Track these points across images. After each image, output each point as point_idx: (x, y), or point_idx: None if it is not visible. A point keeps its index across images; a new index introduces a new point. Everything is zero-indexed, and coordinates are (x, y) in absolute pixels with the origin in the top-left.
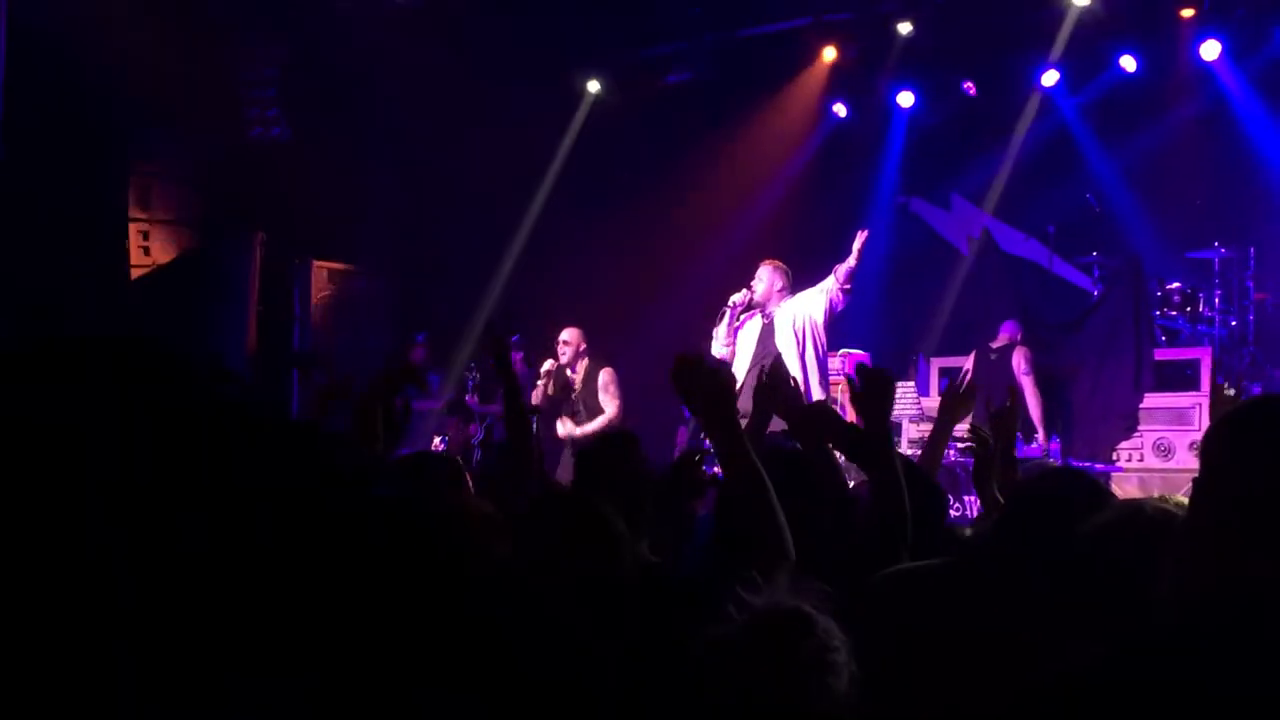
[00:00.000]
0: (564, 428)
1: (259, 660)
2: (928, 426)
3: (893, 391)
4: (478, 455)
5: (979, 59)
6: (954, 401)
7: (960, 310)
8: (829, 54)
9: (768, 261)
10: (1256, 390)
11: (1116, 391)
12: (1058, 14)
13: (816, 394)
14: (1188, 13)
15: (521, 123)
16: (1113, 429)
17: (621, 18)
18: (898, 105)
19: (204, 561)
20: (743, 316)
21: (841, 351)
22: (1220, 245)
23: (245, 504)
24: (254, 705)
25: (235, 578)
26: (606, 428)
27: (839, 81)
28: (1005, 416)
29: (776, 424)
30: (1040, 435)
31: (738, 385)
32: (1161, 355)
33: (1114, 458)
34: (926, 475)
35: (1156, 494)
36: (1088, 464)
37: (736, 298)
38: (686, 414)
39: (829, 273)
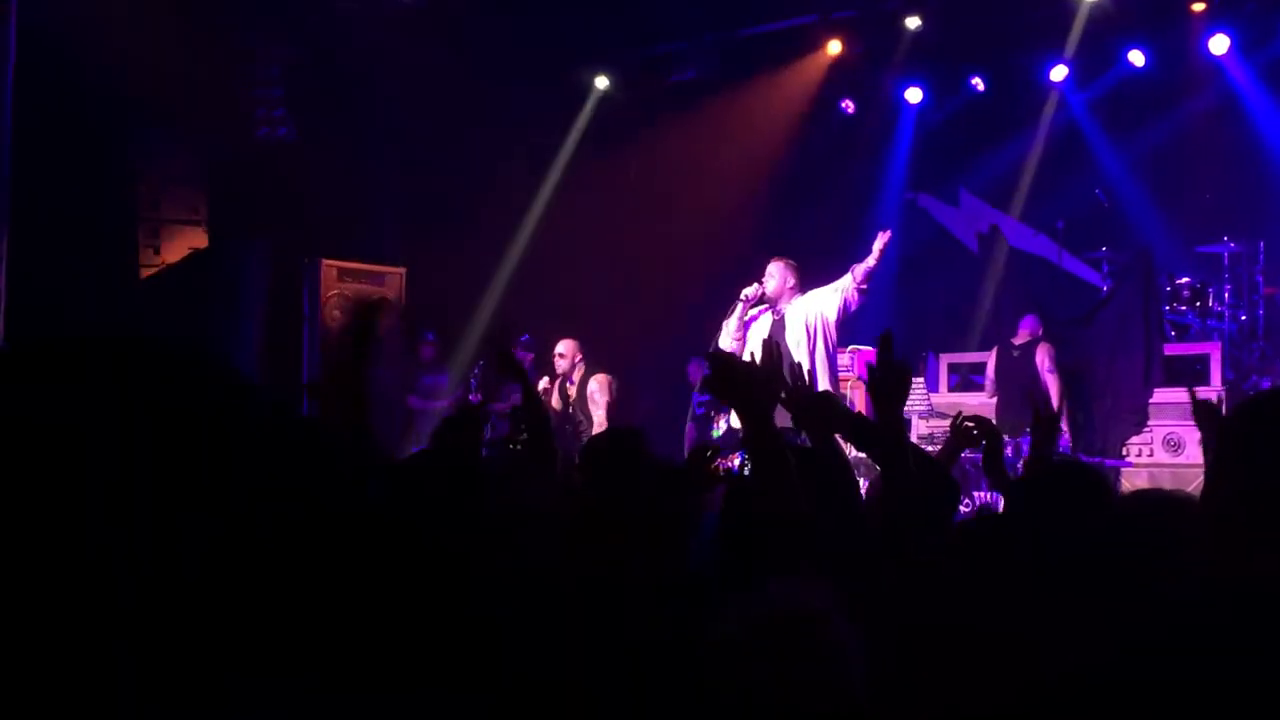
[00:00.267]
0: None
1: (259, 660)
2: (937, 422)
3: (909, 382)
4: (484, 453)
5: (987, 54)
6: (961, 436)
7: (969, 306)
8: (834, 47)
9: (779, 259)
10: (1266, 385)
11: (1126, 386)
12: (1067, 9)
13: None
14: (1198, 7)
15: (526, 121)
16: (1123, 424)
17: (625, 16)
18: (906, 101)
19: (204, 561)
20: (754, 311)
21: (850, 348)
22: (1230, 240)
23: (246, 504)
24: (254, 705)
25: (235, 578)
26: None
27: (847, 78)
28: (1046, 423)
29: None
30: (1065, 433)
31: None
32: (1171, 350)
33: (1124, 453)
34: (941, 467)
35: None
36: (1097, 459)
37: (749, 291)
38: (696, 411)
39: (839, 270)
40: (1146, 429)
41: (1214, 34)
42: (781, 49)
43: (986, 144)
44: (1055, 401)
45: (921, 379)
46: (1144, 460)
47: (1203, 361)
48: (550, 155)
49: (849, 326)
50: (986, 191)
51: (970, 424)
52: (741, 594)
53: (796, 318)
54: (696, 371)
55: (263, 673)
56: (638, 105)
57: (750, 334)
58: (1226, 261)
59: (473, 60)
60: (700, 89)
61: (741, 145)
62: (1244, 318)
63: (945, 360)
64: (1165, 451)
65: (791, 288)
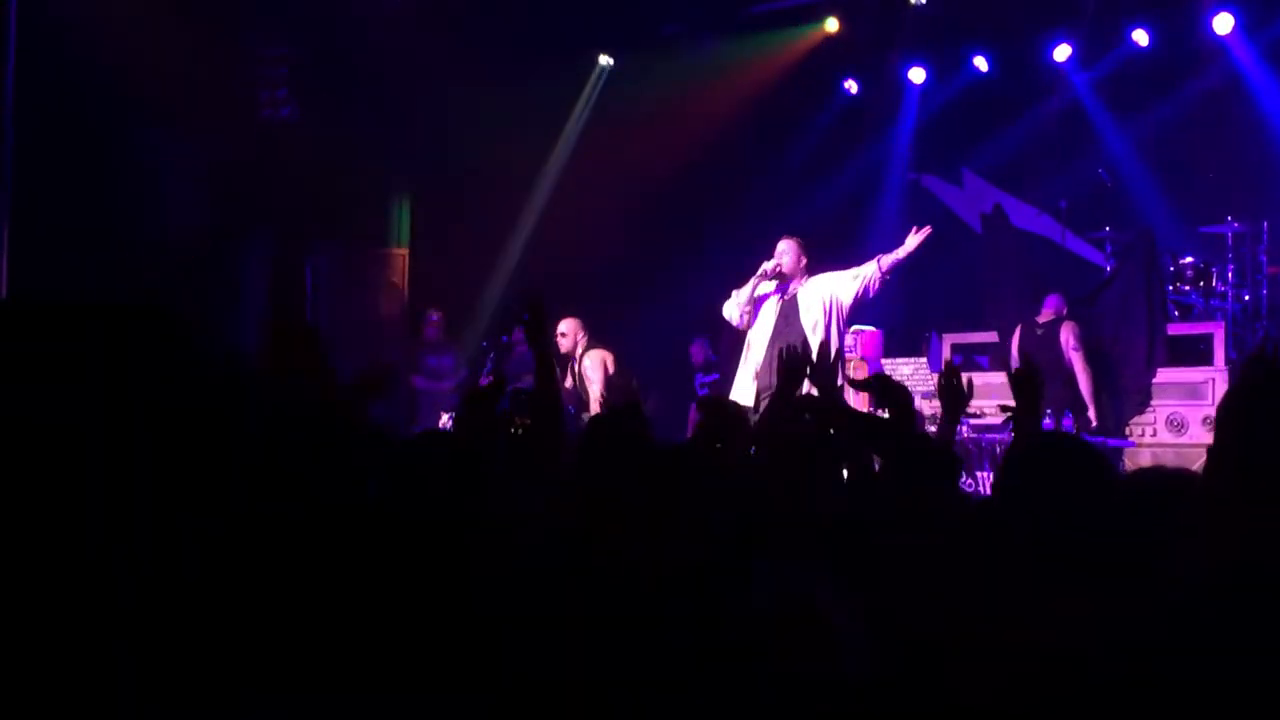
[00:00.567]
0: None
1: (258, 659)
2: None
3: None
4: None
5: (990, 34)
6: (953, 396)
7: (972, 287)
8: (831, 24)
9: (788, 237)
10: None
11: (1129, 367)
12: None
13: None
14: None
15: (532, 98)
16: (1126, 404)
17: None
18: (909, 81)
19: (204, 561)
20: (766, 289)
21: (854, 328)
22: (1233, 219)
23: (246, 502)
24: (254, 705)
25: (232, 577)
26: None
27: (850, 58)
28: (1020, 386)
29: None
30: (1091, 412)
31: (760, 361)
32: (1174, 330)
33: (1127, 433)
34: (940, 445)
35: None
36: (1100, 439)
37: (768, 266)
38: (700, 392)
39: (843, 250)
40: (1150, 409)
41: (1218, 13)
42: (786, 29)
43: (990, 124)
44: (1082, 380)
45: (924, 359)
46: (1147, 440)
47: (1206, 341)
48: (557, 132)
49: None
50: (990, 172)
51: (955, 380)
52: (744, 580)
53: (813, 299)
54: (699, 352)
55: (262, 671)
56: (641, 85)
57: (762, 312)
58: (1230, 241)
59: (479, 37)
60: (703, 67)
61: (744, 128)
62: (1247, 297)
63: (948, 340)
64: (1169, 431)
65: (803, 266)
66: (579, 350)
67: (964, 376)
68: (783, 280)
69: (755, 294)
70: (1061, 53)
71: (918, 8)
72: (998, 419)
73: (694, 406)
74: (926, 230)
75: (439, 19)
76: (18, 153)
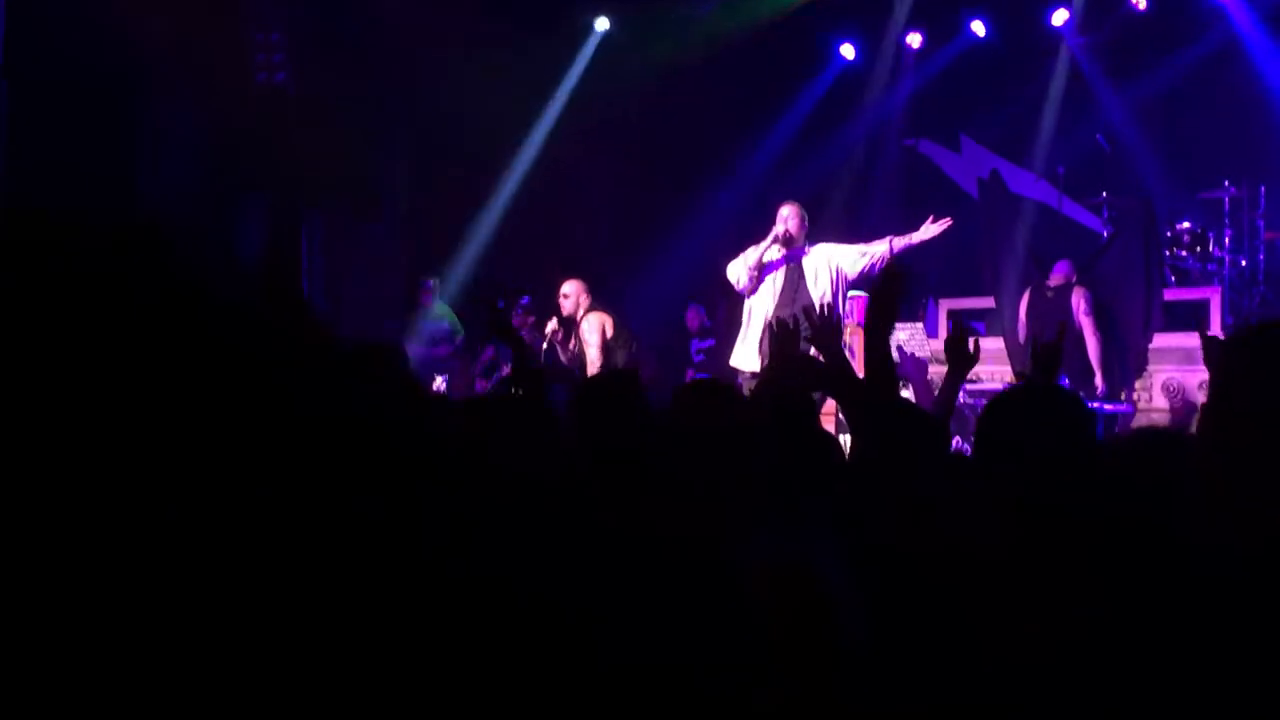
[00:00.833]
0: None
1: (260, 643)
2: (936, 368)
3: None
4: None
5: None
6: (959, 356)
7: (969, 253)
8: None
9: (790, 203)
10: None
11: (1126, 332)
12: None
13: None
14: None
15: (529, 62)
16: (1123, 369)
17: None
18: (906, 46)
19: (201, 547)
20: (775, 256)
21: (851, 294)
22: (1230, 184)
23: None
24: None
25: (231, 564)
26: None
27: (847, 22)
28: (1048, 352)
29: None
30: (1099, 378)
31: (764, 329)
32: (1171, 295)
33: (1122, 397)
34: (924, 413)
35: None
36: (1098, 404)
37: (779, 230)
38: (696, 358)
39: (840, 216)
40: (1146, 374)
41: None
42: None
43: (987, 90)
44: (1091, 346)
45: (920, 324)
46: (1143, 405)
47: (1203, 306)
48: (550, 99)
49: None
50: (988, 137)
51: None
52: (743, 548)
53: (820, 266)
54: (695, 318)
55: (263, 660)
56: (638, 49)
57: (767, 279)
58: (1227, 206)
59: (473, 4)
60: (700, 32)
61: (741, 91)
62: (1244, 263)
63: (945, 306)
64: (1164, 396)
65: (806, 232)
66: (580, 312)
67: (969, 340)
68: (790, 245)
69: (762, 259)
70: (1059, 17)
71: None
72: (996, 385)
73: (689, 370)
74: (946, 221)
75: None
76: (11, 120)
